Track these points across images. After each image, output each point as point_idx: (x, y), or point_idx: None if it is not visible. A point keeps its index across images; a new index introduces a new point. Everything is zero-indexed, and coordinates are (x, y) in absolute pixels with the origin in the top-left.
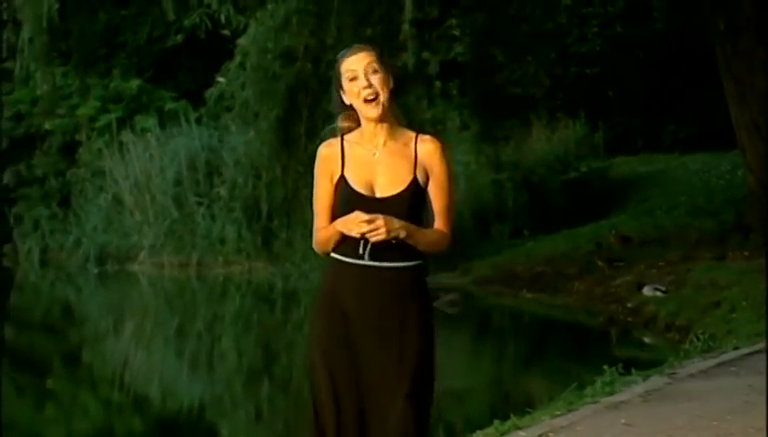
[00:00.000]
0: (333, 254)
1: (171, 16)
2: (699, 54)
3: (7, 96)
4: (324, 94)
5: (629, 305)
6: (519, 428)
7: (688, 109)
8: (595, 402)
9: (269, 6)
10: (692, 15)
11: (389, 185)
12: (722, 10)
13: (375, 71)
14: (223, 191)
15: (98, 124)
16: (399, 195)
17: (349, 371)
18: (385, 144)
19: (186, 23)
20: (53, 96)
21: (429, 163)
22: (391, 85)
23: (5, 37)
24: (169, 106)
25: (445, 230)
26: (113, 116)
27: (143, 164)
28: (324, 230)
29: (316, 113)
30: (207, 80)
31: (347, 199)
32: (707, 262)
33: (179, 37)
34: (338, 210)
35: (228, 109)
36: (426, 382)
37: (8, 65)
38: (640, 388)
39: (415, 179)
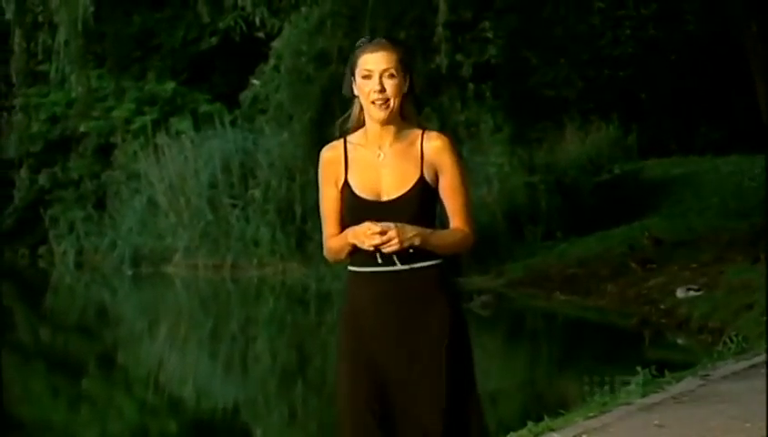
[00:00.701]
0: (349, 267)
1: (206, 19)
2: (731, 56)
3: (43, 99)
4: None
5: (662, 307)
6: (552, 429)
7: (720, 112)
8: (628, 404)
9: (303, 9)
10: (725, 17)
11: (394, 187)
12: (754, 12)
13: (391, 76)
14: (257, 193)
15: (133, 126)
16: (405, 196)
17: (377, 399)
18: (390, 144)
19: (221, 25)
20: (88, 98)
21: (437, 161)
22: (406, 88)
23: (40, 40)
24: (204, 108)
25: (465, 229)
26: (148, 118)
27: (178, 166)
28: (334, 239)
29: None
30: (241, 83)
31: (352, 206)
32: (740, 264)
33: (214, 40)
34: (346, 217)
35: (263, 112)
36: (467, 392)
37: (44, 67)
38: (673, 390)
39: (422, 178)
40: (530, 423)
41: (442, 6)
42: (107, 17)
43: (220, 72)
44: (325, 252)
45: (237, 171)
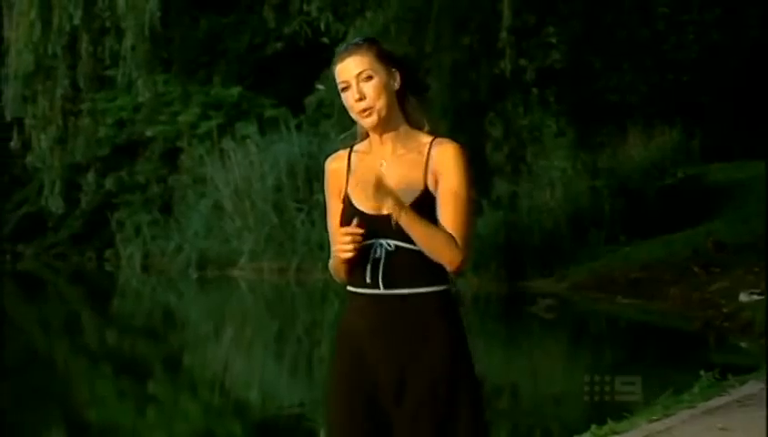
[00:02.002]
0: (348, 286)
1: (271, 24)
2: None
3: (110, 103)
4: (422, 100)
5: (725, 310)
6: (616, 433)
7: None
8: (692, 407)
9: (368, 14)
10: None
11: None
12: None
13: (368, 78)
14: (322, 197)
15: (199, 130)
16: None
17: (369, 418)
18: (394, 151)
19: (286, 30)
20: (154, 103)
21: (440, 167)
22: (396, 85)
23: (107, 45)
24: (269, 112)
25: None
26: (214, 122)
27: (243, 170)
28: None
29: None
30: (306, 87)
31: (350, 219)
32: None
33: (279, 45)
34: None
35: (327, 116)
36: (470, 425)
37: (111, 72)
38: (736, 393)
39: (426, 190)
40: (593, 426)
41: (506, 12)
42: (174, 22)
43: (285, 77)
44: (330, 269)
45: (303, 175)
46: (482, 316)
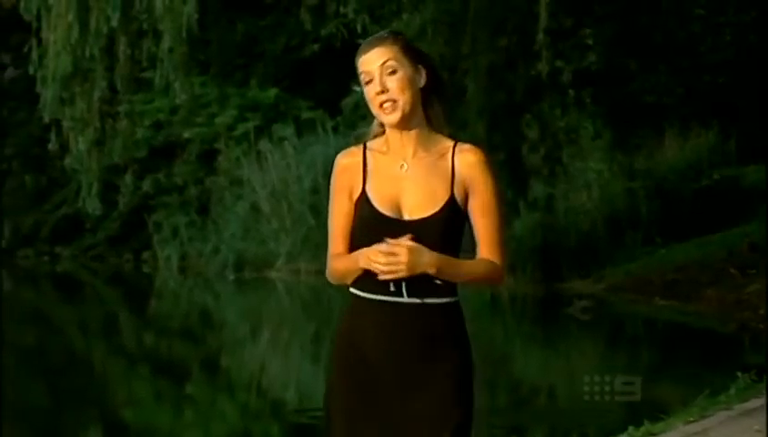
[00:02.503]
0: (351, 288)
1: (308, 26)
2: None
3: (147, 105)
4: (459, 102)
5: (761, 312)
6: (652, 434)
7: None
8: (728, 409)
9: (405, 16)
10: None
11: (420, 205)
12: None
13: (393, 71)
14: None
15: (236, 132)
16: (432, 218)
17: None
18: (415, 154)
19: (323, 33)
20: (192, 105)
21: (469, 178)
22: (422, 82)
23: (145, 47)
24: (306, 114)
25: (494, 260)
26: (251, 124)
27: (280, 172)
28: (341, 260)
29: (451, 122)
30: (343, 89)
31: (368, 222)
32: None
33: (316, 47)
34: (357, 235)
35: (364, 118)
36: None
37: (148, 74)
38: None
39: (452, 199)
40: (630, 428)
41: (543, 13)
42: (211, 25)
43: (322, 79)
44: (328, 272)
45: None
46: (519, 317)
